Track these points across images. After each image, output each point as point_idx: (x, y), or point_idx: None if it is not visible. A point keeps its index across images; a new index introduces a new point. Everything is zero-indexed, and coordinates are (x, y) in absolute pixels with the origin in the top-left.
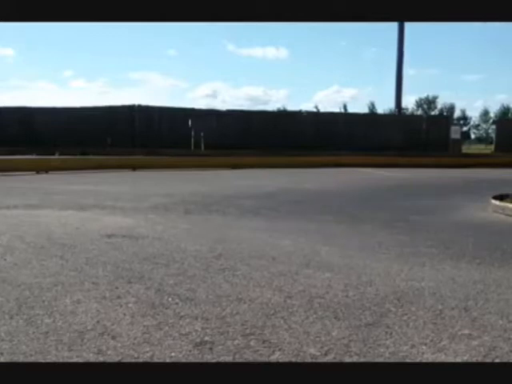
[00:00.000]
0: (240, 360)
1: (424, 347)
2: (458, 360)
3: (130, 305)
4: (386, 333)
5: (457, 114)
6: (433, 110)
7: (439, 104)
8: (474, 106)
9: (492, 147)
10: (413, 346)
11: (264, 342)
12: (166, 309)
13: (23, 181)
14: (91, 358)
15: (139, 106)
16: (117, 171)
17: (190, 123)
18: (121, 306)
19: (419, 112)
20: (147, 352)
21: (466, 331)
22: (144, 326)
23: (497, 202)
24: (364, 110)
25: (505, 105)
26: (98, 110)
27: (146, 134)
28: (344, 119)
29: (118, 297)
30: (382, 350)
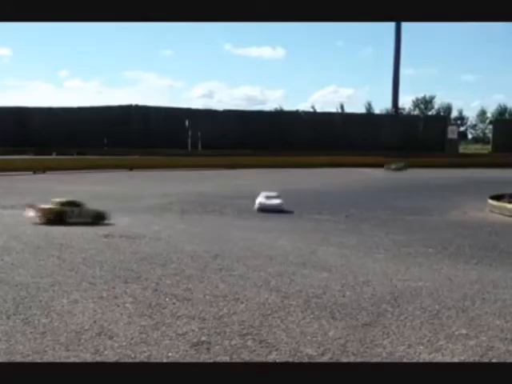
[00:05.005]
0: (237, 360)
1: (421, 347)
2: (455, 360)
3: (127, 305)
4: (383, 333)
5: (454, 113)
6: (430, 110)
7: (436, 104)
8: (471, 105)
9: (489, 147)
10: (410, 346)
11: (261, 342)
12: (163, 309)
13: (20, 181)
14: (88, 358)
15: (136, 106)
16: (114, 171)
17: (187, 123)
18: (118, 306)
19: (416, 112)
20: (144, 352)
21: (463, 331)
22: (141, 326)
23: (494, 202)
24: (361, 109)
25: (502, 105)
26: (94, 109)
27: (143, 134)
28: (341, 119)
29: (115, 297)
30: (379, 350)
